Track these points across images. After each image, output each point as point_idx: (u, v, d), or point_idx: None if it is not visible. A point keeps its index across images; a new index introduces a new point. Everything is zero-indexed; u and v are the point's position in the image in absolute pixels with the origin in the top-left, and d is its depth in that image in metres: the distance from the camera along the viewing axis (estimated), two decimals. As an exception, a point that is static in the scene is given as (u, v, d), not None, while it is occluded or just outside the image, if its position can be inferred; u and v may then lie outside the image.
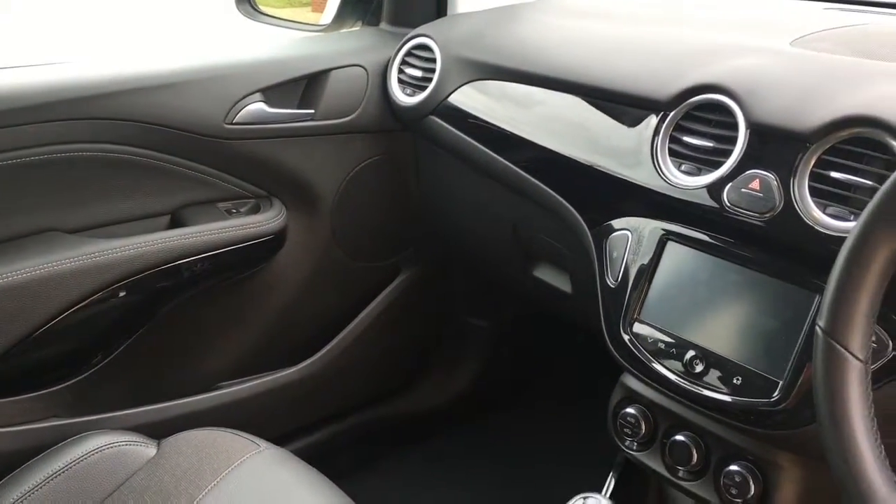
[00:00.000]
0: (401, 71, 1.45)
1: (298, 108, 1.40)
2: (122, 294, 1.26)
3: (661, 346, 0.98)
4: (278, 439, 1.17)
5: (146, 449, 1.10)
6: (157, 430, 1.16)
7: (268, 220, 1.39)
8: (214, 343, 1.45)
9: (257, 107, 1.34)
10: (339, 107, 1.42)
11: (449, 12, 1.54)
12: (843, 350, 0.65)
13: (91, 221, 1.27)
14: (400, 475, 1.68)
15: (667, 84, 1.03)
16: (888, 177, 0.66)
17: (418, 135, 1.45)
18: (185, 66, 1.31)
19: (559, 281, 1.32)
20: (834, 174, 0.86)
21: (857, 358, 0.65)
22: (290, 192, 1.43)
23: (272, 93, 1.36)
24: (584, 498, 0.87)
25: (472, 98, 1.33)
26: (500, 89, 1.30)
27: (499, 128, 1.27)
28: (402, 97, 1.42)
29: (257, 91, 1.34)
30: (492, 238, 1.44)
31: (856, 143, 0.86)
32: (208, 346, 1.44)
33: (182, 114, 1.28)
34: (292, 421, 1.56)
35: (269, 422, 1.46)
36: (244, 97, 1.33)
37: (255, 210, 1.40)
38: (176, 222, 1.34)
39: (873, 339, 0.81)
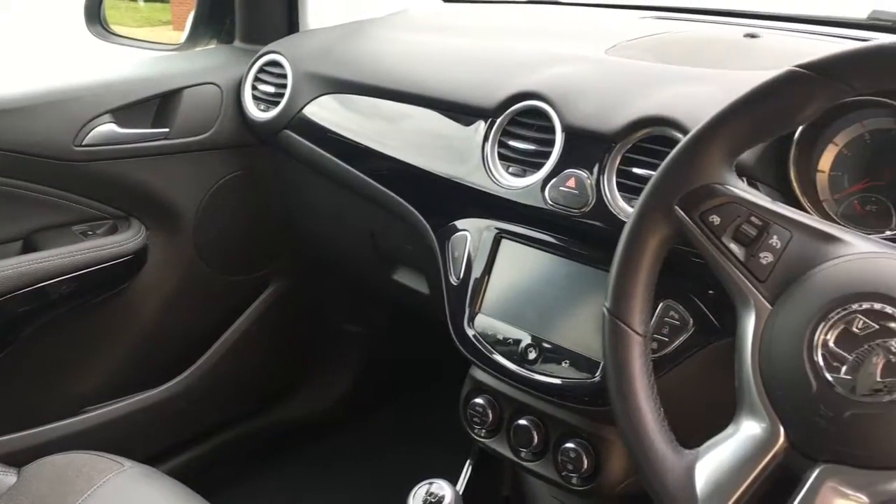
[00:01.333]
0: (254, 87, 1.48)
1: (152, 127, 1.41)
2: None
3: (500, 337, 1.05)
4: (152, 459, 1.18)
5: (5, 477, 1.09)
6: (21, 459, 1.15)
7: (126, 240, 1.40)
8: (79, 365, 1.44)
9: (108, 128, 1.35)
10: (195, 125, 1.44)
11: (300, 28, 1.59)
12: (624, 326, 0.72)
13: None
14: (282, 484, 1.70)
15: (493, 93, 1.10)
16: None
17: (275, 149, 1.48)
18: (30, 89, 1.31)
19: (417, 283, 1.38)
20: (636, 170, 0.95)
21: (637, 333, 0.72)
22: (149, 212, 1.44)
23: (123, 113, 1.37)
24: (430, 483, 0.92)
25: (323, 111, 1.38)
26: (349, 102, 1.35)
27: (348, 139, 1.32)
28: (257, 113, 1.46)
29: (107, 112, 1.34)
30: (352, 246, 1.48)
31: (654, 140, 0.95)
32: (72, 368, 1.43)
33: (28, 137, 1.27)
34: (167, 439, 1.56)
35: (140, 442, 1.46)
36: (93, 118, 1.33)
37: (113, 231, 1.41)
38: (28, 247, 1.32)
39: (676, 316, 0.91)
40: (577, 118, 1.01)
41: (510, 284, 1.06)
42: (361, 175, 1.30)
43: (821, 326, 0.62)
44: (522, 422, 1.06)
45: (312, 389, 1.82)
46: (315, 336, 1.79)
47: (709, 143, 0.70)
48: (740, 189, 0.71)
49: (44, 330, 1.37)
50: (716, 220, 0.70)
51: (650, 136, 0.94)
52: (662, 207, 0.72)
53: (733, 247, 0.69)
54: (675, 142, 0.92)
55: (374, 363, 1.85)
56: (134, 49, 1.60)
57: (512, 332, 1.04)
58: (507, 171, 1.08)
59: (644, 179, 0.94)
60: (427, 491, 0.91)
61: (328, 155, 1.36)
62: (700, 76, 1.01)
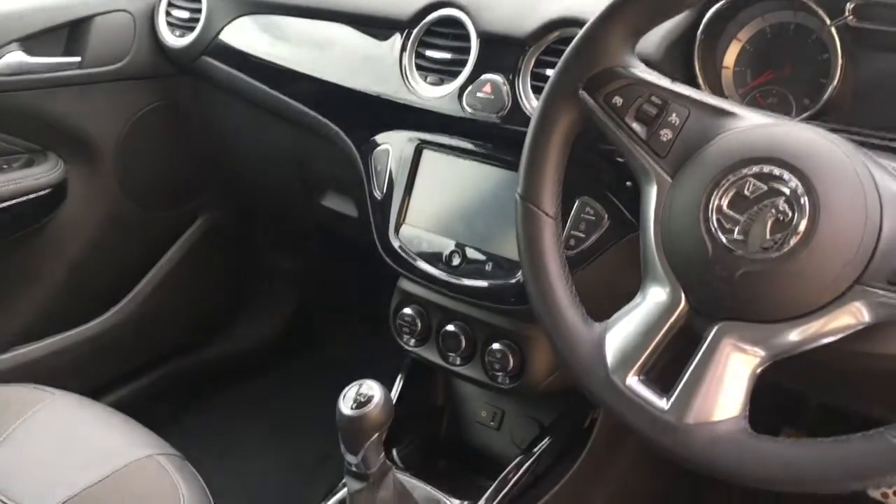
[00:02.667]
0: (168, 13, 1.44)
1: (63, 56, 1.37)
2: None
3: (425, 246, 1.07)
4: (86, 395, 1.17)
5: None
6: None
7: (42, 173, 1.37)
8: (4, 303, 1.41)
9: (16, 57, 1.31)
10: (108, 54, 1.40)
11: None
12: (535, 209, 0.75)
13: None
14: (219, 418, 1.71)
15: (408, 3, 1.10)
16: None
17: (195, 77, 1.45)
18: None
19: (346, 207, 1.38)
20: (550, 72, 0.97)
21: (547, 215, 0.75)
22: (66, 145, 1.40)
23: (32, 42, 1.33)
24: (360, 384, 0.94)
25: (241, 34, 1.36)
26: (267, 23, 1.33)
27: (268, 62, 1.30)
28: (172, 39, 1.43)
29: (14, 41, 1.30)
30: (280, 173, 1.47)
31: (565, 42, 0.96)
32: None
33: None
34: (101, 374, 1.55)
35: (74, 378, 1.44)
36: (2, 46, 1.28)
37: (29, 164, 1.37)
38: None
39: (591, 212, 0.94)
40: (491, 24, 1.02)
41: (433, 194, 1.08)
42: (283, 97, 1.29)
43: (715, 192, 0.65)
44: (450, 328, 1.09)
45: (248, 323, 1.82)
46: (247, 269, 1.78)
47: (608, 28, 0.72)
48: (641, 71, 0.73)
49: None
50: (618, 101, 0.72)
51: (562, 37, 0.96)
52: (568, 92, 0.74)
53: (635, 126, 0.71)
54: None
55: (308, 295, 1.86)
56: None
57: (436, 241, 1.06)
58: (425, 81, 1.08)
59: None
60: (357, 391, 0.93)
61: (249, 79, 1.34)
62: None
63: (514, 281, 0.99)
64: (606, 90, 0.72)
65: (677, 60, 0.93)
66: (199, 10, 1.39)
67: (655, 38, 0.92)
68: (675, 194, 0.68)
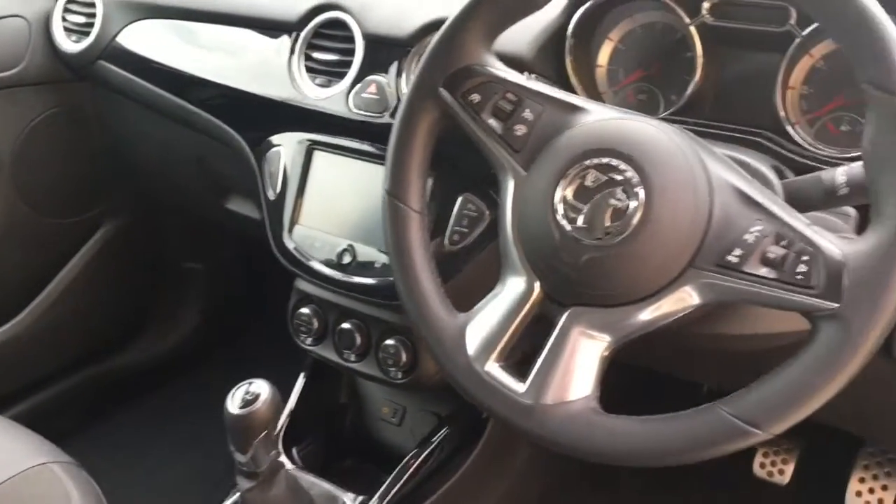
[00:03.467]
0: (64, 18, 1.43)
1: (-45, 62, 1.35)
2: None
3: (318, 246, 1.08)
4: None
5: None
6: None
7: None
8: None
9: None
10: (2, 60, 1.38)
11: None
12: (401, 205, 0.77)
13: None
14: (127, 429, 1.69)
15: (295, 6, 1.12)
16: None
17: (93, 83, 1.44)
18: None
19: (248, 209, 1.38)
20: None
21: (413, 210, 0.77)
22: None
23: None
24: (249, 383, 0.95)
25: (137, 39, 1.35)
26: (163, 27, 1.32)
27: (164, 66, 1.30)
28: (68, 44, 1.41)
29: None
30: (182, 178, 1.47)
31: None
32: None
33: None
34: (2, 385, 1.52)
35: None
36: None
37: (-80, 175, 1.35)
38: None
39: (473, 208, 0.97)
40: (375, 26, 1.04)
41: (324, 194, 1.09)
42: (180, 101, 1.29)
43: (561, 183, 0.68)
44: (346, 325, 1.11)
45: (158, 329, 1.80)
46: (155, 276, 1.76)
47: (465, 28, 0.75)
48: (497, 69, 0.76)
49: None
50: (476, 98, 0.74)
51: None
52: (428, 90, 0.76)
53: (492, 122, 0.74)
54: None
55: (218, 300, 1.85)
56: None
57: (329, 240, 1.07)
58: (313, 82, 1.10)
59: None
60: (245, 391, 0.93)
61: (146, 84, 1.34)
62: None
63: (401, 277, 1.01)
64: (464, 88, 0.75)
65: (550, 59, 0.96)
66: (95, 15, 1.38)
67: (528, 37, 0.95)
68: (527, 186, 0.71)
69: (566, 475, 1.30)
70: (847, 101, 0.87)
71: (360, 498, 1.07)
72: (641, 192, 0.64)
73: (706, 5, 0.90)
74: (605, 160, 0.66)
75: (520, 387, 0.69)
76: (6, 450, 1.04)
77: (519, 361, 0.71)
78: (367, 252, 1.05)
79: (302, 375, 1.23)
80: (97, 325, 1.67)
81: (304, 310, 1.14)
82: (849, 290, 0.58)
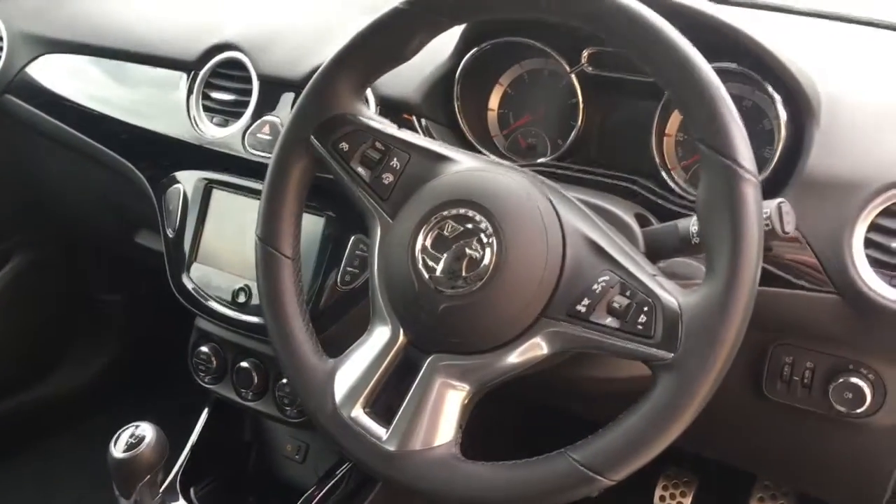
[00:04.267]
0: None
1: None
2: None
3: (215, 284, 1.08)
4: None
5: None
6: None
7: None
8: None
9: None
10: None
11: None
12: (273, 251, 0.77)
13: None
14: (33, 470, 1.63)
15: (194, 45, 1.12)
16: None
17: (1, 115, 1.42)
18: None
19: (157, 243, 1.37)
20: None
21: (285, 256, 0.78)
22: None
23: None
24: (135, 426, 0.94)
25: (42, 73, 1.34)
26: (67, 62, 1.32)
27: (67, 100, 1.29)
28: (-31, 79, 1.39)
29: None
30: (91, 212, 1.46)
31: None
32: None
33: None
34: None
35: None
36: None
37: None
38: None
39: (364, 248, 0.97)
40: (270, 67, 1.05)
41: (222, 232, 1.09)
42: (84, 137, 1.28)
43: (421, 232, 0.69)
44: (244, 364, 1.10)
45: (68, 367, 1.75)
46: (69, 308, 1.73)
47: (334, 78, 0.76)
48: (366, 117, 0.77)
49: None
50: (345, 146, 0.76)
51: None
52: (300, 139, 0.77)
53: (360, 170, 0.75)
54: None
55: (136, 333, 1.82)
56: None
57: (224, 278, 1.07)
58: (211, 121, 1.10)
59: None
60: (130, 433, 0.93)
61: (50, 119, 1.32)
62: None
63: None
64: (335, 136, 0.76)
65: (440, 103, 0.98)
66: (1, 49, 1.37)
67: (416, 82, 0.97)
68: (391, 234, 0.72)
69: None
70: None
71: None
72: (494, 244, 0.66)
73: (585, 54, 0.93)
74: (461, 211, 0.68)
75: (383, 433, 0.70)
76: None
77: (384, 408, 0.71)
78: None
79: (205, 412, 1.22)
80: (8, 359, 1.63)
81: (204, 348, 1.14)
82: (684, 342, 0.61)
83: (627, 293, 0.64)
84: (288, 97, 1.03)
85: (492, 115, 1.02)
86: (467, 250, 0.67)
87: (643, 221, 0.79)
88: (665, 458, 1.34)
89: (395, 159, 0.74)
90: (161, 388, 1.79)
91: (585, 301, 0.65)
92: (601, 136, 0.96)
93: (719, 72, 0.84)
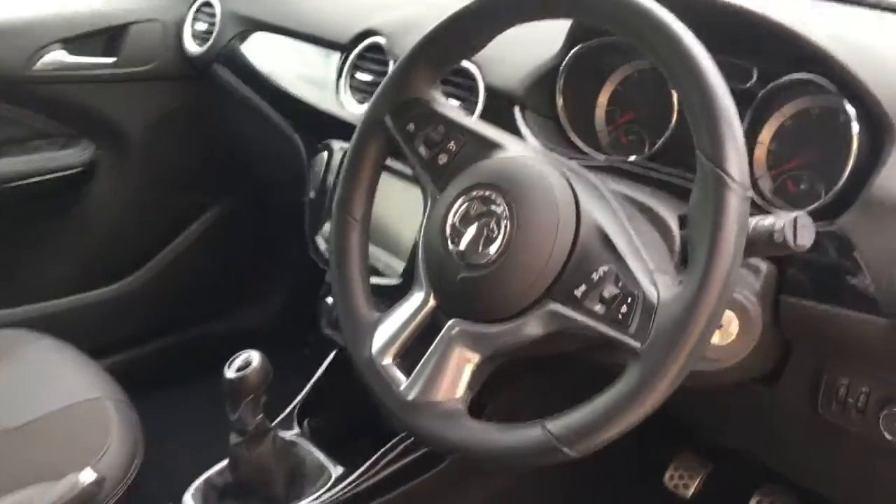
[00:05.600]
0: (193, 25, 1.66)
1: (103, 56, 1.61)
2: None
3: None
4: (97, 350, 1.36)
5: None
6: None
7: (76, 155, 1.61)
8: (36, 263, 1.66)
9: (58, 55, 1.55)
10: (139, 57, 1.63)
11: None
12: (346, 215, 0.88)
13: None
14: (206, 397, 1.87)
15: (347, 29, 1.26)
16: None
17: (210, 82, 1.66)
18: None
19: None
20: None
21: (354, 219, 0.88)
22: (98, 133, 1.64)
23: (74, 43, 1.57)
24: (246, 353, 1.09)
25: (245, 47, 1.56)
26: (260, 39, 1.52)
27: (256, 70, 1.50)
28: (193, 48, 1.64)
29: (57, 41, 1.55)
30: (272, 171, 1.66)
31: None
32: (29, 264, 1.66)
33: None
34: (108, 334, 1.76)
35: (84, 333, 1.67)
36: (45, 46, 1.53)
37: (64, 147, 1.62)
38: None
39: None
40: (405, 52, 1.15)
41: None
42: (266, 104, 1.48)
43: (453, 208, 0.76)
44: None
45: (248, 308, 1.98)
46: (254, 257, 1.96)
47: (411, 67, 0.85)
48: (436, 102, 0.85)
49: (4, 230, 1.59)
50: (412, 127, 0.84)
51: None
52: (377, 118, 0.86)
53: (421, 149, 0.83)
54: None
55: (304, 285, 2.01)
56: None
57: None
58: (354, 98, 1.24)
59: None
60: (242, 359, 1.08)
61: (245, 86, 1.54)
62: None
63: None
64: (405, 118, 0.85)
65: (543, 96, 1.03)
66: (215, 24, 1.60)
67: (521, 74, 1.04)
68: (434, 208, 0.80)
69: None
70: (805, 162, 0.88)
71: (344, 470, 1.19)
72: (507, 226, 0.72)
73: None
74: (486, 193, 0.74)
75: (403, 383, 0.78)
76: (69, 380, 1.25)
77: (411, 362, 0.80)
78: (387, 258, 1.16)
79: (331, 355, 1.36)
80: (199, 292, 1.89)
81: (329, 299, 1.28)
82: (652, 334, 0.63)
83: (619, 284, 0.67)
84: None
85: (600, 112, 1.06)
86: (485, 229, 0.73)
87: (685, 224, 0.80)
88: (682, 442, 1.33)
89: (452, 142, 0.82)
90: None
91: (583, 287, 0.69)
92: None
93: (795, 83, 0.84)
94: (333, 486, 1.17)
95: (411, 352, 0.81)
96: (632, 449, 1.35)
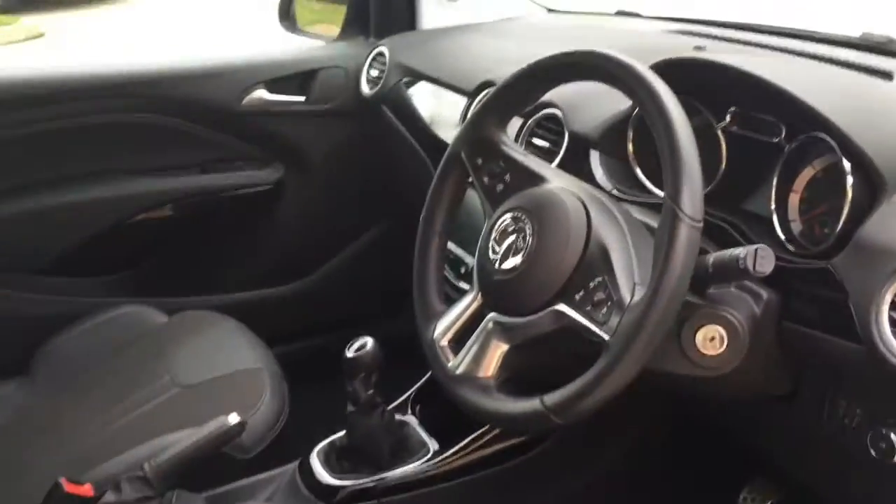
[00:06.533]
0: (369, 71, 1.98)
1: (296, 95, 1.97)
2: (166, 213, 1.90)
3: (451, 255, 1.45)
4: (268, 337, 1.63)
5: (160, 318, 1.69)
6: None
7: (269, 174, 1.98)
8: (229, 260, 2.05)
9: (261, 93, 1.93)
10: (324, 96, 1.98)
11: (418, 27, 2.06)
12: (428, 227, 1.11)
13: (145, 167, 1.91)
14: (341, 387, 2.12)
15: (471, 80, 1.50)
16: None
17: (378, 120, 1.97)
18: (210, 61, 1.92)
19: None
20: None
21: (436, 232, 1.10)
22: (288, 157, 2.00)
23: (275, 84, 1.94)
24: (364, 339, 1.34)
25: (407, 92, 1.85)
26: (422, 87, 1.80)
27: (414, 113, 1.78)
28: (367, 90, 1.96)
29: (262, 82, 1.92)
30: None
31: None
32: (224, 261, 2.04)
33: (207, 94, 1.88)
34: (279, 325, 2.01)
35: (262, 322, 1.97)
36: (252, 86, 1.91)
37: (260, 167, 1.99)
38: (203, 171, 1.95)
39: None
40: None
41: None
42: (416, 142, 1.75)
43: (496, 226, 0.97)
44: None
45: (398, 315, 2.22)
46: (407, 273, 2.22)
47: (484, 114, 1.07)
48: (500, 143, 1.06)
49: (210, 231, 1.98)
50: (480, 161, 1.06)
51: None
52: (456, 153, 1.09)
53: (485, 179, 1.05)
54: None
55: None
56: (300, 38, 2.17)
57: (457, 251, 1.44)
58: None
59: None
60: (360, 343, 1.34)
61: (402, 128, 1.83)
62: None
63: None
64: (476, 153, 1.07)
65: (615, 142, 1.21)
66: (384, 71, 1.91)
67: (597, 122, 1.22)
68: (487, 226, 1.01)
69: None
70: (829, 208, 1.00)
71: (440, 447, 1.40)
72: (530, 243, 0.92)
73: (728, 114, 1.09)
74: (519, 214, 0.95)
75: (452, 362, 1.00)
76: (240, 353, 1.57)
77: (461, 345, 1.01)
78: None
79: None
80: (366, 295, 2.17)
81: None
82: (617, 330, 0.81)
83: (606, 292, 0.85)
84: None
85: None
86: (515, 243, 0.94)
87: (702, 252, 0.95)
88: (754, 469, 1.40)
89: (508, 174, 1.03)
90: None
91: (582, 292, 0.88)
92: (735, 182, 1.11)
93: (816, 140, 0.97)
94: (430, 459, 1.39)
95: (463, 338, 1.02)
96: (707, 471, 1.47)
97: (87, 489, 1.17)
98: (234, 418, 1.26)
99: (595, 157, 1.22)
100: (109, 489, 1.16)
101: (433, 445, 1.42)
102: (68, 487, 1.19)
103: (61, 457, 1.38)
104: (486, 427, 1.42)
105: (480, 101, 1.07)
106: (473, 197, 1.41)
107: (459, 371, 0.98)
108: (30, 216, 1.83)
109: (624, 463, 1.45)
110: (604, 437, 1.44)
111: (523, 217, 0.94)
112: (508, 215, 0.97)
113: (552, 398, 0.86)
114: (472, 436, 1.41)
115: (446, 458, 1.39)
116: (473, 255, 1.34)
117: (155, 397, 1.47)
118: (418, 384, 1.55)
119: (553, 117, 1.29)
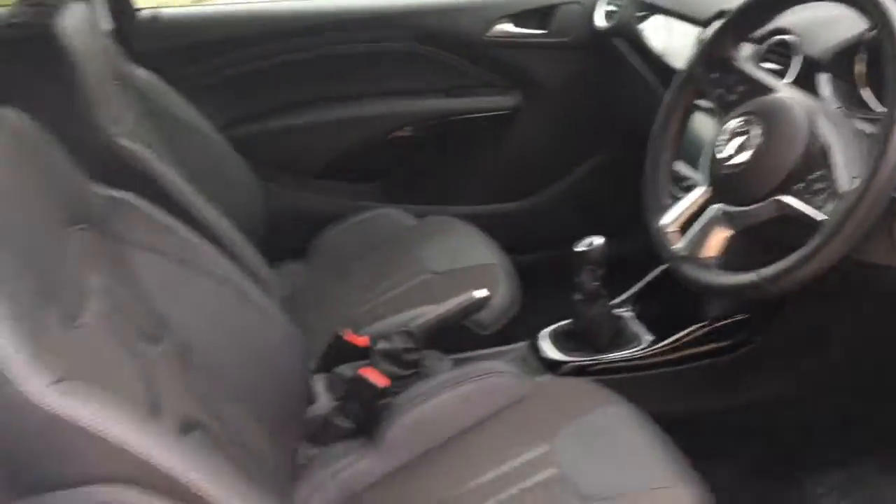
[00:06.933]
0: (604, 6, 2.13)
1: (536, 28, 2.17)
2: (413, 132, 2.20)
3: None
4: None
5: (409, 220, 1.98)
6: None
7: (507, 100, 2.20)
8: (467, 175, 2.30)
9: (506, 26, 2.14)
10: (562, 29, 2.16)
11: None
12: (663, 134, 1.27)
13: (400, 90, 2.19)
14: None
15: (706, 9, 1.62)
16: None
17: (611, 51, 2.12)
18: None
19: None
20: None
21: (666, 145, 1.26)
22: (525, 85, 2.21)
23: (518, 17, 2.15)
24: (596, 238, 1.52)
25: (642, 26, 1.98)
26: (656, 21, 1.93)
27: (646, 45, 1.91)
28: (602, 23, 2.11)
29: (507, 16, 2.13)
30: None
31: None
32: (463, 177, 2.30)
33: (458, 27, 2.12)
34: (507, 238, 2.24)
35: (493, 233, 2.23)
36: (498, 18, 2.13)
37: (500, 94, 2.22)
38: (449, 96, 2.20)
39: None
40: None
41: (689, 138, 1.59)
42: (651, 73, 1.89)
43: (726, 128, 1.12)
44: None
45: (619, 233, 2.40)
46: (628, 198, 2.35)
47: (723, 34, 1.20)
48: (735, 59, 1.19)
49: (457, 146, 2.24)
50: (716, 76, 1.20)
51: None
52: (693, 69, 1.23)
53: (719, 91, 1.19)
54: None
55: None
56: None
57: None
58: None
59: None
60: (589, 240, 1.53)
61: (636, 56, 1.97)
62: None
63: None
64: (712, 70, 1.21)
65: (846, 64, 1.30)
66: (621, 5, 2.05)
67: (827, 45, 1.32)
68: (717, 129, 1.16)
69: None
70: None
71: (654, 338, 1.58)
72: (759, 141, 1.06)
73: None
74: (749, 118, 1.09)
75: (679, 245, 1.17)
76: (478, 250, 1.79)
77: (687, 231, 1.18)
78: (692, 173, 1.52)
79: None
80: (592, 213, 2.32)
81: None
82: (833, 211, 0.95)
83: (825, 183, 0.99)
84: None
85: None
86: (745, 141, 1.08)
87: None
88: None
89: (741, 86, 1.17)
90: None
91: (802, 185, 1.01)
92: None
93: None
94: (644, 348, 1.58)
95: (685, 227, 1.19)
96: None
97: (364, 339, 1.47)
98: (481, 292, 1.50)
99: (824, 79, 1.32)
100: (381, 340, 1.44)
101: (647, 337, 1.60)
102: (348, 336, 1.49)
103: (335, 320, 1.68)
104: (696, 327, 1.58)
105: (716, 27, 1.21)
106: (696, 122, 1.58)
107: (684, 252, 1.15)
108: (305, 128, 2.18)
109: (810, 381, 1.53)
110: (805, 350, 1.54)
111: (753, 119, 1.09)
112: (740, 118, 1.11)
113: (767, 271, 1.01)
114: (682, 332, 1.57)
115: (657, 349, 1.57)
116: (696, 170, 1.52)
117: (407, 280, 1.74)
118: (638, 285, 1.73)
119: (783, 43, 1.39)
